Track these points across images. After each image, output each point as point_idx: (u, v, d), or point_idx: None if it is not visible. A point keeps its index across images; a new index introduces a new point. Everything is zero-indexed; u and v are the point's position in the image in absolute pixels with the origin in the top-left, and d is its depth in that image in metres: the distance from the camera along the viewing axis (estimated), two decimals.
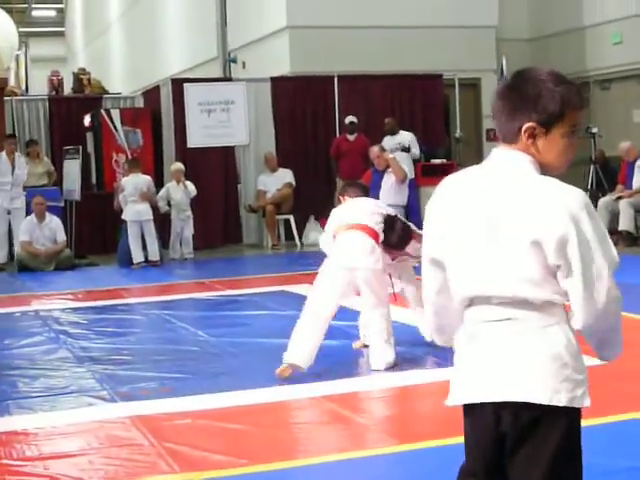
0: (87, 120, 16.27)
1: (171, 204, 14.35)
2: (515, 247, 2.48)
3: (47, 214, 13.71)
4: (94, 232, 15.48)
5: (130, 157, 15.29)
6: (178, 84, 15.97)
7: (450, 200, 2.64)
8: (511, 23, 18.59)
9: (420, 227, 3.14)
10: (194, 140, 15.60)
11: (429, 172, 14.57)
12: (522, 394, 2.49)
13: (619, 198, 13.70)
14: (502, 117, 2.57)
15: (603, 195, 14.30)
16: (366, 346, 6.93)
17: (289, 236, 15.75)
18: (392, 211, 7.05)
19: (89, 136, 16.31)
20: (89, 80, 20.13)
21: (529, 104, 2.52)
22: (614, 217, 13.46)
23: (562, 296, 2.51)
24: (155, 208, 13.98)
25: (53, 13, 43.48)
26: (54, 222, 13.76)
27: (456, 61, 17.14)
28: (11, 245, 14.34)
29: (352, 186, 7.40)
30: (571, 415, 2.52)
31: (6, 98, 16.58)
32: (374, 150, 13.07)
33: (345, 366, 6.73)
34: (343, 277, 6.51)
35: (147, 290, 11.50)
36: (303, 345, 6.40)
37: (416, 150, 15.09)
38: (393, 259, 6.86)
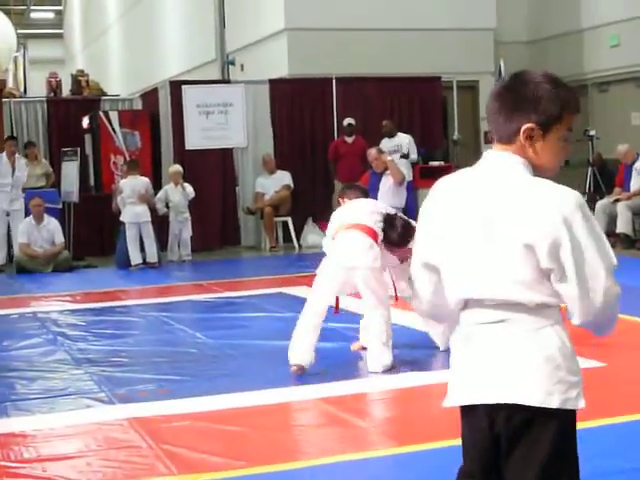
0: (85, 122, 16.27)
1: (169, 206, 14.34)
2: (508, 249, 2.49)
3: (45, 216, 13.70)
4: (92, 234, 15.47)
5: (128, 159, 15.28)
6: (176, 86, 15.97)
7: (445, 201, 2.64)
8: (509, 26, 18.60)
9: None
10: (192, 142, 15.60)
11: (427, 174, 14.55)
12: (515, 396, 2.50)
13: (617, 201, 13.70)
14: (500, 118, 2.57)
15: (601, 198, 14.31)
16: (364, 348, 6.93)
17: (287, 238, 15.75)
18: (392, 210, 7.06)
19: (87, 138, 16.30)
20: (87, 82, 20.14)
21: (529, 105, 2.53)
22: (612, 220, 13.46)
23: (556, 298, 2.51)
24: (153, 210, 13.97)
25: (51, 15, 43.51)
26: (52, 224, 13.75)
27: (454, 63, 17.14)
28: (10, 247, 14.33)
29: (351, 188, 7.42)
30: (565, 417, 2.52)
31: (4, 100, 16.58)
32: (372, 152, 13.07)
33: (343, 368, 6.73)
34: (341, 276, 6.54)
35: (145, 292, 11.49)
36: (304, 346, 6.49)
37: (414, 155, 15.10)
38: (401, 261, 6.83)
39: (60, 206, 14.98)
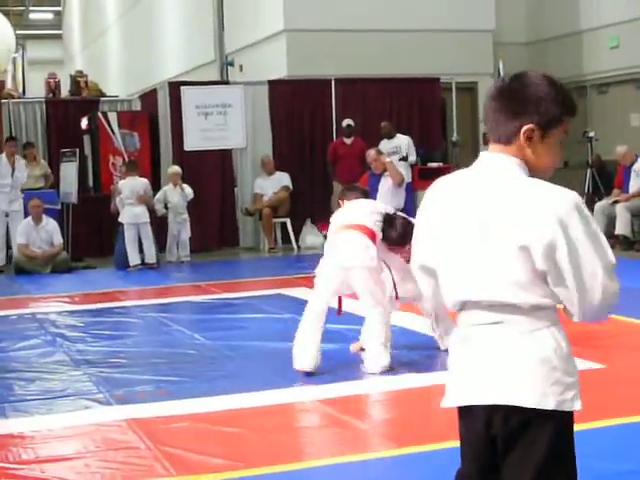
0: (84, 123, 16.26)
1: (168, 207, 14.34)
2: (504, 251, 2.49)
3: (44, 217, 13.70)
4: (91, 235, 15.47)
5: (127, 160, 15.27)
6: (175, 87, 15.96)
7: (442, 202, 2.65)
8: (508, 27, 18.60)
9: None
10: (191, 143, 15.60)
11: (426, 176, 14.54)
12: (511, 398, 2.51)
13: (615, 202, 13.71)
14: (500, 117, 2.57)
15: (600, 199, 14.31)
16: (363, 349, 6.93)
17: (286, 239, 15.74)
18: (391, 210, 7.06)
19: (86, 139, 16.30)
20: (86, 83, 20.14)
21: (531, 107, 2.53)
22: (610, 221, 13.47)
23: (551, 299, 2.52)
24: (152, 211, 13.97)
25: (50, 16, 43.51)
26: (51, 225, 13.75)
27: (453, 65, 17.15)
28: (9, 248, 14.32)
29: (351, 190, 7.42)
30: (561, 418, 2.53)
31: (3, 101, 16.58)
32: (371, 154, 13.06)
33: (343, 369, 6.72)
34: (337, 276, 6.55)
35: (144, 293, 11.49)
36: (307, 350, 6.53)
37: (413, 157, 15.10)
38: (407, 261, 6.81)
39: (59, 207, 14.98)
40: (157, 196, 14.26)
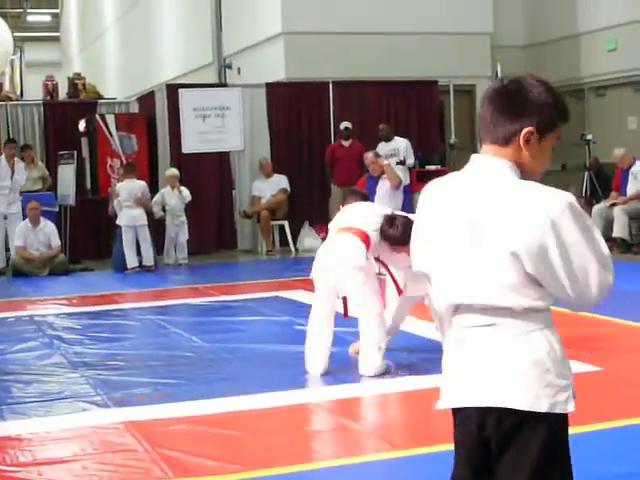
0: (82, 125, 16.26)
1: (166, 209, 14.34)
2: (496, 254, 2.50)
3: (41, 219, 13.69)
4: (88, 237, 15.48)
5: (125, 162, 15.27)
6: (173, 90, 15.96)
7: (434, 205, 2.66)
8: (506, 30, 18.61)
9: None
10: (189, 146, 15.60)
11: (424, 178, 14.53)
12: (504, 400, 2.51)
13: (613, 205, 13.72)
14: (499, 118, 2.57)
15: (597, 202, 14.33)
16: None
17: (284, 242, 15.75)
18: (389, 211, 7.07)
19: (84, 141, 16.30)
20: (84, 85, 20.13)
21: (531, 109, 2.55)
22: (608, 224, 13.47)
23: (545, 301, 2.52)
24: (150, 213, 13.97)
25: (48, 18, 43.47)
26: (48, 227, 13.74)
27: (451, 67, 17.17)
28: (7, 250, 14.31)
29: (351, 194, 7.42)
30: (554, 420, 2.53)
31: (1, 103, 16.60)
32: (369, 156, 13.06)
33: (341, 372, 6.72)
34: (328, 279, 6.56)
35: (141, 295, 11.48)
36: (314, 355, 6.60)
37: (411, 160, 15.09)
38: None
39: (56, 209, 14.98)
40: (155, 199, 14.25)
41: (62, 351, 7.89)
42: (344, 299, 6.77)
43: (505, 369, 2.52)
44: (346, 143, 15.41)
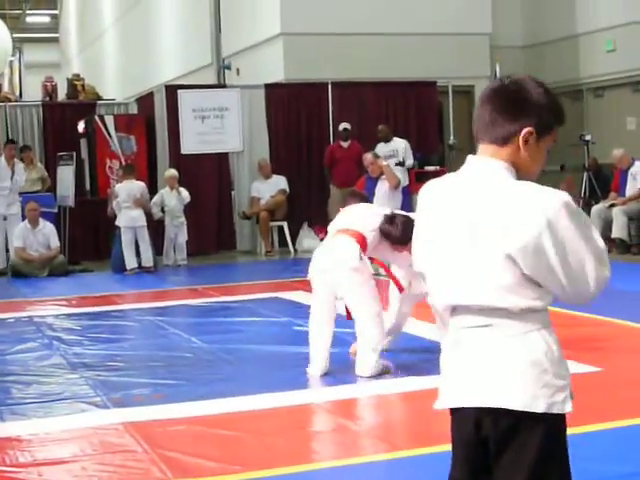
0: (81, 126, 16.26)
1: (165, 210, 14.34)
2: (493, 255, 2.50)
3: (40, 220, 13.70)
4: (88, 238, 15.48)
5: (124, 163, 15.28)
6: (172, 90, 15.96)
7: (432, 206, 2.67)
8: (505, 30, 18.61)
9: None
10: (188, 146, 15.60)
11: (423, 179, 14.54)
12: (501, 400, 2.52)
13: (612, 206, 13.72)
14: (498, 118, 2.57)
15: (596, 202, 14.33)
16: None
17: (283, 243, 15.76)
18: (389, 211, 7.07)
19: (83, 142, 16.30)
20: (83, 86, 20.13)
21: (531, 110, 2.55)
22: (607, 225, 13.47)
23: (542, 301, 2.53)
24: (149, 214, 13.97)
25: (47, 19, 43.46)
26: (47, 228, 13.74)
27: (450, 68, 17.16)
28: (7, 251, 14.31)
29: (351, 196, 7.42)
30: (552, 421, 2.53)
31: (0, 104, 16.57)
32: (368, 157, 13.07)
33: (341, 373, 6.72)
34: (324, 280, 6.56)
35: (141, 296, 11.48)
36: (316, 356, 6.61)
37: (410, 161, 15.09)
38: None
39: (56, 210, 14.97)
40: (154, 199, 14.26)
41: (61, 352, 7.89)
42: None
43: (503, 369, 2.52)
44: (345, 144, 15.41)
